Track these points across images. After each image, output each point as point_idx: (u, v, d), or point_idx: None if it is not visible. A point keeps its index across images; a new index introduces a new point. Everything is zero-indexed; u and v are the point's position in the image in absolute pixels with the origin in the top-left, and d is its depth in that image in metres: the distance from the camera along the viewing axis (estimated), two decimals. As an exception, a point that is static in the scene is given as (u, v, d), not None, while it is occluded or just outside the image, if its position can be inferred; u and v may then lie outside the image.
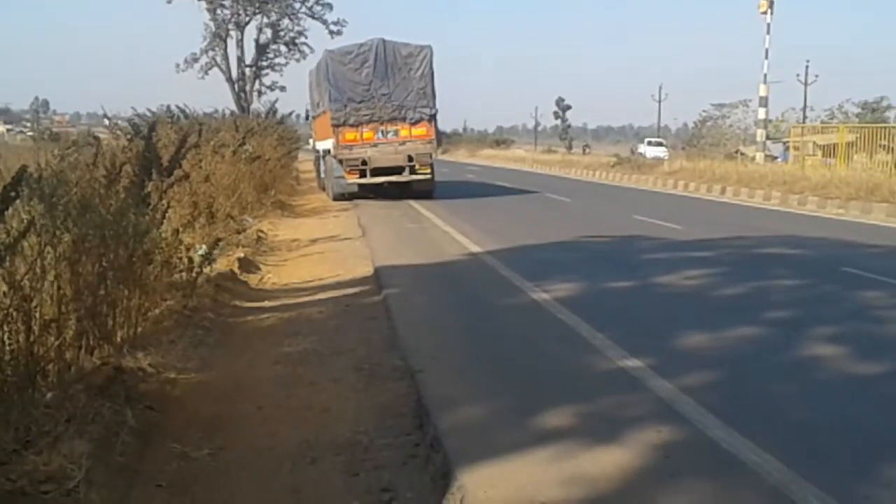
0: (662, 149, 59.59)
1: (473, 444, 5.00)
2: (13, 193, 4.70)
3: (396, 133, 23.22)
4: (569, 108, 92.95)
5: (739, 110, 59.30)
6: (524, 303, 9.26)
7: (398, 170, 23.32)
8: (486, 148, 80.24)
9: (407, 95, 23.05)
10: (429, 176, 23.88)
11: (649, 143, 64.95)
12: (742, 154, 43.44)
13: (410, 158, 23.25)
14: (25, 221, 4.92)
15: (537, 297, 9.40)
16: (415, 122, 23.23)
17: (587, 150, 62.18)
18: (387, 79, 23.01)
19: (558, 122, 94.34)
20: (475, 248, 13.59)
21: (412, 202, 22.66)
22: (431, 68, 23.35)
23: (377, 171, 23.25)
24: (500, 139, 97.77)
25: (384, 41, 23.25)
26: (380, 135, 23.16)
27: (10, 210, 4.82)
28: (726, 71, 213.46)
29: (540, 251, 13.61)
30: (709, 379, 6.39)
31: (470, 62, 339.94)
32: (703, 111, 63.79)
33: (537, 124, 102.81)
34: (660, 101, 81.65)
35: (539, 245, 14.20)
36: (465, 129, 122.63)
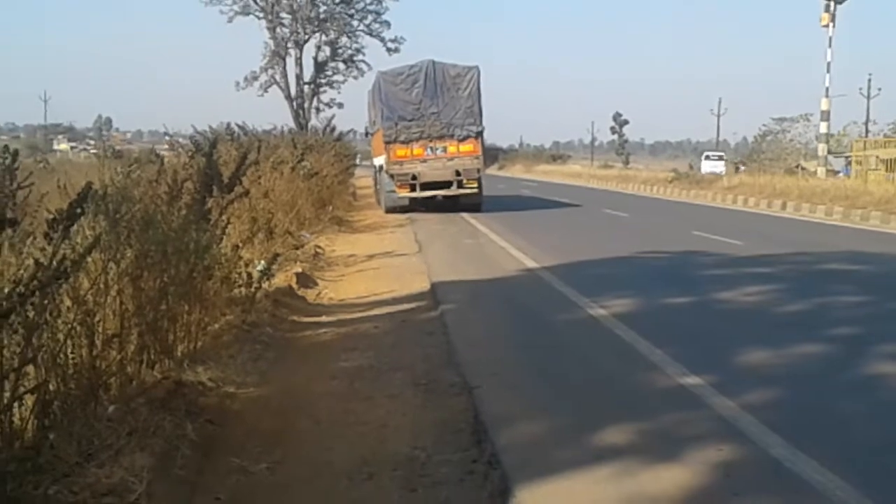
0: (720, 163, 57.85)
1: (532, 460, 4.97)
2: (79, 210, 4.78)
3: (445, 149, 24.34)
4: (626, 122, 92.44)
5: (800, 124, 58.58)
6: (581, 318, 9.19)
7: (446, 184, 24.48)
8: (542, 163, 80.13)
9: (455, 114, 24.19)
10: (476, 190, 24.81)
11: (707, 158, 62.73)
12: (803, 169, 42.88)
13: (458, 173, 24.32)
14: (91, 238, 4.98)
15: (594, 313, 9.33)
16: (462, 139, 24.30)
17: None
18: (436, 98, 24.16)
19: (615, 136, 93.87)
20: (532, 264, 13.54)
21: (468, 218, 22.76)
22: (479, 88, 24.47)
23: (426, 186, 24.38)
24: (557, 154, 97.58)
25: (433, 62, 24.47)
26: (429, 151, 24.31)
27: (76, 227, 4.91)
28: (787, 85, 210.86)
29: (597, 267, 13.52)
30: (771, 397, 6.28)
31: (526, 77, 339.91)
32: (763, 125, 63.16)
33: (594, 139, 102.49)
34: (718, 116, 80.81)
35: (596, 260, 14.11)
36: (521, 145, 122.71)
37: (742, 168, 54.13)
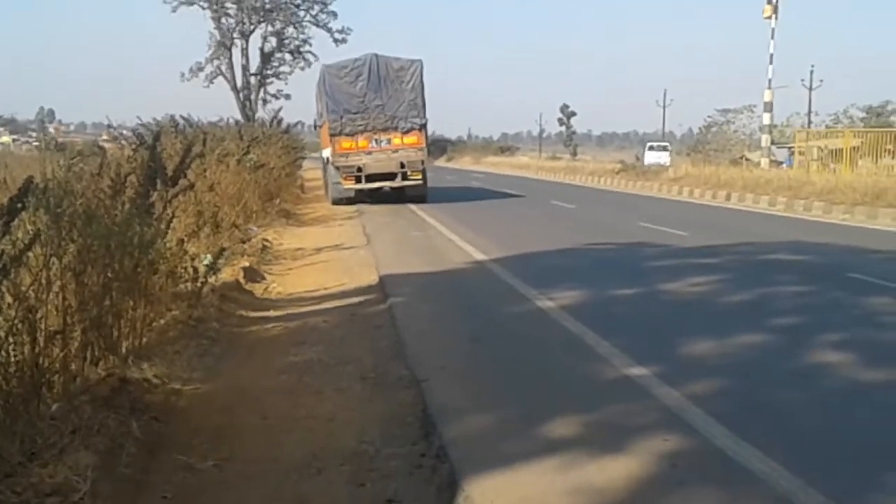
0: (665, 153, 57.03)
1: (479, 453, 4.99)
2: (19, 204, 4.70)
3: (389, 142, 24.87)
4: (573, 114, 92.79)
5: (744, 115, 59.27)
6: (529, 310, 9.24)
7: (391, 176, 25.04)
8: (490, 155, 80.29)
9: (399, 106, 24.73)
10: (420, 181, 25.35)
11: (651, 148, 62.18)
12: (747, 159, 43.44)
13: (402, 165, 24.85)
14: (31, 233, 4.91)
15: (542, 305, 9.38)
16: (406, 132, 24.86)
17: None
18: (380, 91, 24.67)
19: (563, 128, 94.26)
20: (480, 256, 13.58)
21: (417, 210, 22.81)
22: (422, 81, 25.02)
23: (371, 178, 24.93)
24: (505, 146, 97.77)
25: (377, 56, 24.99)
26: (374, 143, 24.81)
27: (16, 221, 4.83)
28: (731, 76, 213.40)
29: (545, 258, 13.60)
30: (715, 387, 6.37)
31: (473, 69, 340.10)
32: (708, 117, 63.71)
33: (542, 131, 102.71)
34: (664, 107, 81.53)
35: (544, 252, 14.19)
36: (469, 137, 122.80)
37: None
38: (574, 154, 79.18)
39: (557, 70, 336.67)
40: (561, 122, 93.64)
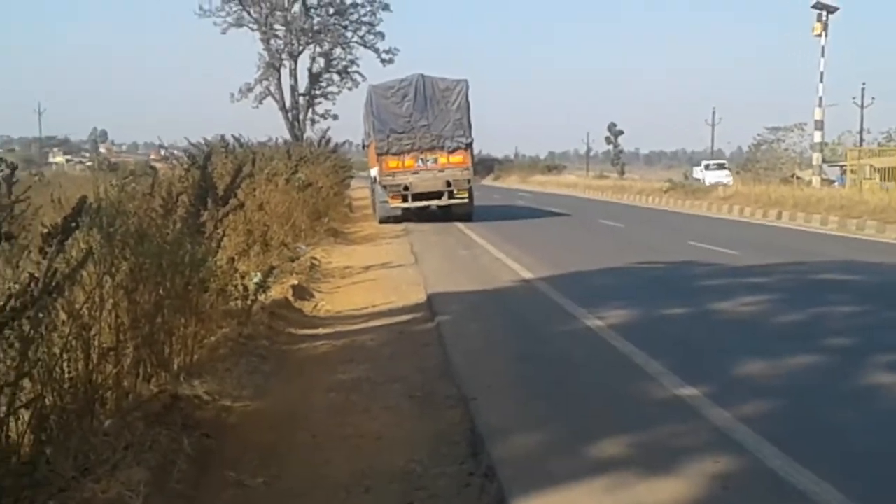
0: (725, 172, 55.55)
1: (528, 472, 4.97)
2: (73, 224, 4.78)
3: (435, 161, 25.09)
4: (621, 133, 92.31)
5: (795, 134, 58.54)
6: (578, 329, 9.19)
7: (437, 194, 25.18)
8: (537, 174, 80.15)
9: (445, 126, 24.94)
10: (466, 200, 25.43)
11: (707, 167, 60.29)
12: (798, 178, 42.89)
13: (449, 184, 24.99)
14: (85, 251, 4.98)
15: (591, 324, 9.32)
16: (452, 151, 25.03)
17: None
18: (426, 111, 24.92)
19: (610, 147, 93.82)
20: (527, 275, 13.54)
21: (464, 229, 22.80)
22: (468, 100, 25.24)
23: (418, 196, 25.07)
24: (552, 165, 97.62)
25: (423, 76, 25.28)
26: (420, 163, 25.05)
27: (70, 240, 4.91)
28: (780, 94, 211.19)
29: (593, 277, 13.53)
30: (767, 408, 6.28)
31: (520, 88, 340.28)
32: (758, 135, 62.97)
33: (589, 150, 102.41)
34: (713, 125, 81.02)
35: (592, 271, 14.11)
36: (516, 155, 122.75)
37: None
38: (622, 173, 78.80)
39: (605, 89, 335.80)
40: (608, 140, 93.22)
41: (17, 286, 4.52)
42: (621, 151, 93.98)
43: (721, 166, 58.97)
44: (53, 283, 3.70)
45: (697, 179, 53.34)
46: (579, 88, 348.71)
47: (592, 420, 6.02)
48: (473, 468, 5.17)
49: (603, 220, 26.63)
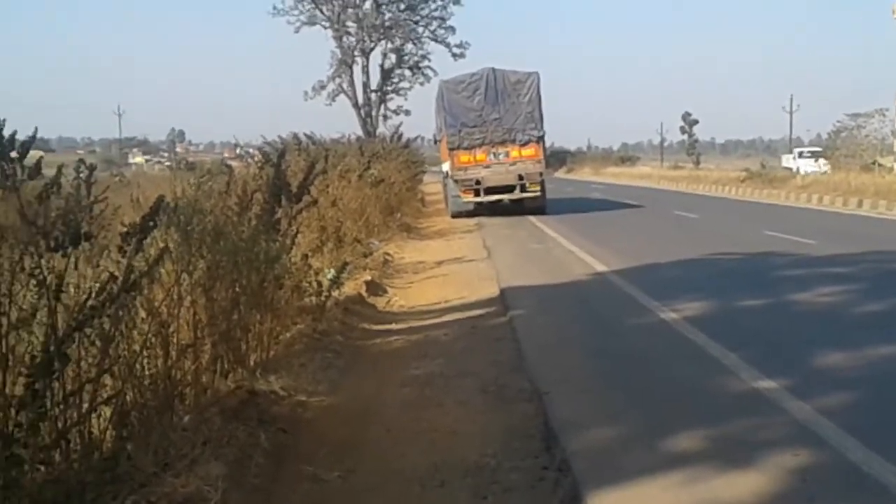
0: (821, 161, 52.66)
1: (603, 467, 4.93)
2: (151, 223, 4.88)
3: (507, 154, 24.97)
4: (696, 122, 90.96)
5: (876, 120, 56.84)
6: (652, 322, 9.10)
7: (509, 188, 25.08)
8: (610, 165, 79.39)
9: (516, 119, 24.85)
10: (539, 193, 25.32)
11: (801, 155, 57.14)
12: (880, 165, 41.73)
13: (521, 177, 24.88)
14: (160, 249, 5.08)
15: (665, 317, 9.22)
16: (524, 144, 24.92)
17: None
18: (497, 104, 24.86)
19: (685, 137, 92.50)
20: (601, 267, 13.44)
21: (536, 222, 22.72)
22: (539, 93, 25.11)
23: (490, 190, 25.04)
24: (625, 156, 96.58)
25: (493, 70, 25.22)
26: (491, 157, 24.93)
27: (149, 239, 5.01)
28: (860, 80, 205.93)
29: (667, 269, 13.36)
30: (848, 400, 6.15)
31: (593, 78, 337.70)
32: (838, 122, 61.30)
33: (663, 140, 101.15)
34: (791, 113, 79.28)
35: (666, 263, 13.93)
36: (589, 147, 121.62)
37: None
38: (697, 163, 77.61)
39: (679, 78, 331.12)
40: (683, 130, 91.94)
41: (97, 284, 4.64)
42: (696, 141, 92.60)
43: (816, 155, 56.08)
44: (132, 281, 3.77)
45: (789, 169, 51.56)
46: (653, 78, 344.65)
47: (668, 414, 5.95)
48: (547, 462, 5.15)
49: (677, 211, 26.28)
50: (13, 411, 3.30)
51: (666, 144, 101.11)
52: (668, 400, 6.34)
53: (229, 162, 19.38)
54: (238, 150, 24.12)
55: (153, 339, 5.23)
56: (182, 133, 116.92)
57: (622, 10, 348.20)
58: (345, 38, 57.88)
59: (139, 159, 72.31)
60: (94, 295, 3.92)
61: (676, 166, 72.88)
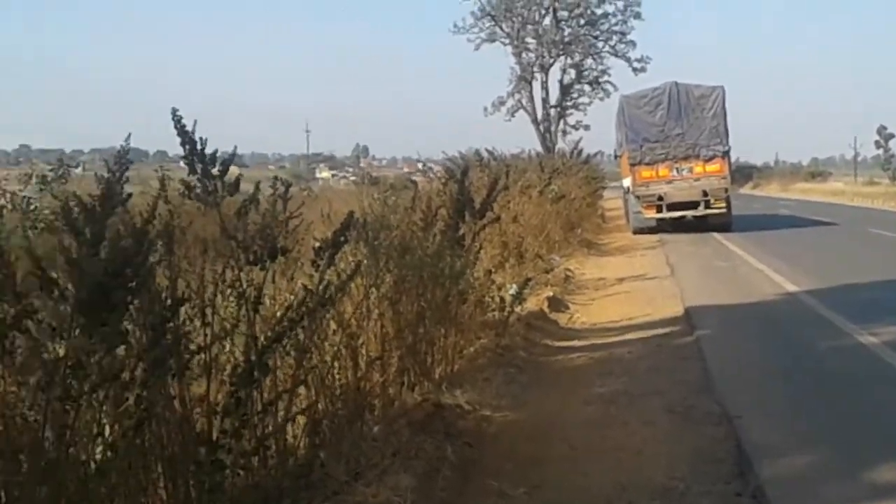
0: None
1: (801, 496, 4.75)
2: (342, 238, 5.01)
3: (691, 170, 24.24)
4: (892, 136, 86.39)
5: None
6: (848, 346, 8.66)
7: (693, 204, 24.30)
8: (799, 181, 76.42)
9: (700, 134, 24.13)
10: (724, 209, 24.46)
11: None
12: None
13: (705, 193, 24.08)
14: (353, 264, 5.22)
15: (863, 340, 8.75)
16: (708, 159, 24.15)
17: None
18: (680, 119, 24.21)
19: (880, 151, 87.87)
20: (791, 287, 12.91)
21: (721, 239, 22.06)
22: (724, 107, 24.31)
23: (673, 206, 24.35)
24: (815, 171, 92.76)
25: (676, 84, 24.66)
26: (674, 172, 24.26)
27: (339, 253, 5.15)
28: None
29: (864, 290, 12.67)
30: None
31: (780, 91, 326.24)
32: None
33: (856, 155, 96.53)
34: None
35: (863, 284, 13.22)
36: (776, 162, 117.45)
37: None
38: (893, 178, 73.68)
39: (873, 89, 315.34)
40: (878, 144, 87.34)
41: (292, 297, 4.81)
42: (893, 156, 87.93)
43: None
44: (326, 296, 3.89)
45: None
46: (845, 90, 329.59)
47: (868, 442, 5.64)
48: (740, 488, 4.97)
49: (874, 230, 24.97)
50: (217, 418, 3.45)
51: (859, 159, 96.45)
52: (867, 428, 6.01)
53: (411, 177, 19.80)
54: (419, 165, 24.62)
55: (343, 351, 5.37)
56: (366, 148, 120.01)
57: (812, 18, 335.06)
58: (524, 55, 58.10)
59: (325, 174, 74.74)
60: (292, 308, 4.05)
61: (871, 182, 69.45)
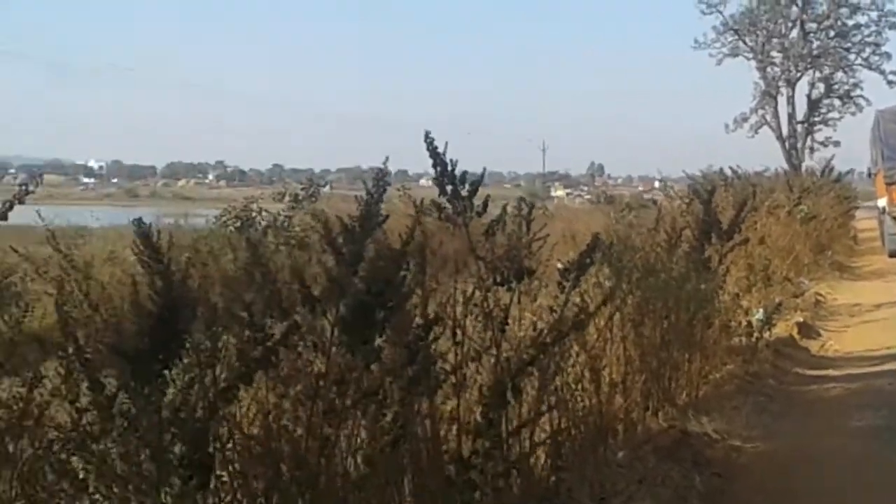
0: None
1: None
2: (588, 260, 4.98)
3: None
4: None
5: None
6: None
7: None
8: None
9: None
10: None
11: None
12: None
13: None
14: (599, 287, 5.17)
15: None
16: None
17: None
18: None
19: None
20: None
21: None
22: None
23: None
24: None
25: None
26: None
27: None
28: None
29: None
30: None
31: None
32: None
33: None
34: None
35: None
36: None
37: None
38: None
39: None
40: None
41: (534, 319, 4.82)
42: None
43: None
44: (578, 320, 3.86)
45: None
46: None
47: None
48: None
49: None
50: (468, 438, 3.50)
51: None
52: None
53: (646, 195, 19.51)
54: (656, 184, 24.26)
55: (586, 374, 5.33)
56: (601, 167, 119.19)
57: None
58: (769, 69, 56.05)
59: (560, 192, 75.11)
60: (543, 331, 4.06)
61: None
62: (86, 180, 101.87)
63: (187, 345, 2.89)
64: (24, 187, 2.60)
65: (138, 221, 3.27)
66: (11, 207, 2.55)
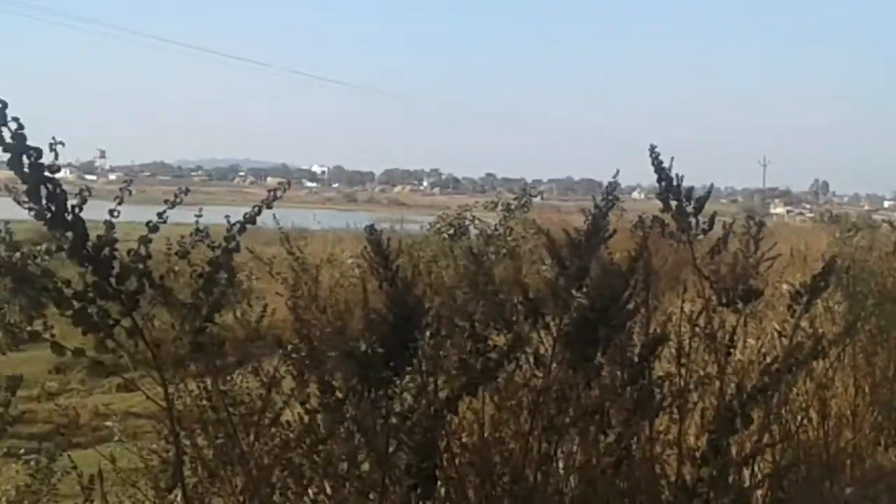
0: None
1: None
2: (822, 283, 4.70)
3: None
4: None
5: None
6: None
7: None
8: None
9: None
10: None
11: None
12: None
13: None
14: (837, 314, 4.89)
15: None
16: None
17: None
18: None
19: None
20: None
21: None
22: None
23: None
24: None
25: None
26: None
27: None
28: None
29: None
30: None
31: None
32: None
33: None
34: None
35: None
36: None
37: None
38: None
39: None
40: None
41: (758, 343, 4.61)
42: None
43: None
44: (818, 348, 3.65)
45: None
46: None
47: None
48: None
49: None
50: (691, 465, 3.35)
51: None
52: None
53: (874, 216, 18.43)
54: (889, 204, 22.92)
55: (813, 404, 5.04)
56: (826, 184, 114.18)
57: None
58: None
59: (780, 210, 72.44)
60: (778, 357, 3.85)
61: None
62: (309, 184, 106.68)
63: (419, 353, 2.90)
64: (272, 192, 2.68)
65: (370, 228, 3.32)
66: (260, 212, 2.63)
